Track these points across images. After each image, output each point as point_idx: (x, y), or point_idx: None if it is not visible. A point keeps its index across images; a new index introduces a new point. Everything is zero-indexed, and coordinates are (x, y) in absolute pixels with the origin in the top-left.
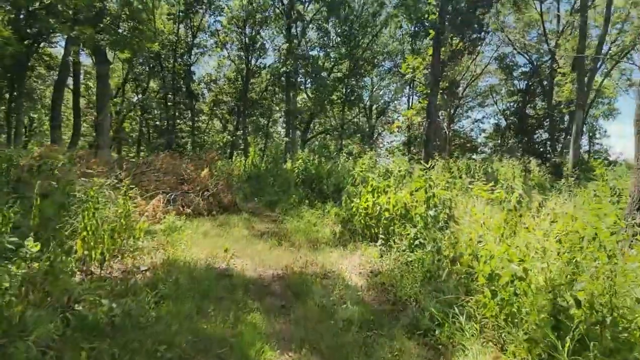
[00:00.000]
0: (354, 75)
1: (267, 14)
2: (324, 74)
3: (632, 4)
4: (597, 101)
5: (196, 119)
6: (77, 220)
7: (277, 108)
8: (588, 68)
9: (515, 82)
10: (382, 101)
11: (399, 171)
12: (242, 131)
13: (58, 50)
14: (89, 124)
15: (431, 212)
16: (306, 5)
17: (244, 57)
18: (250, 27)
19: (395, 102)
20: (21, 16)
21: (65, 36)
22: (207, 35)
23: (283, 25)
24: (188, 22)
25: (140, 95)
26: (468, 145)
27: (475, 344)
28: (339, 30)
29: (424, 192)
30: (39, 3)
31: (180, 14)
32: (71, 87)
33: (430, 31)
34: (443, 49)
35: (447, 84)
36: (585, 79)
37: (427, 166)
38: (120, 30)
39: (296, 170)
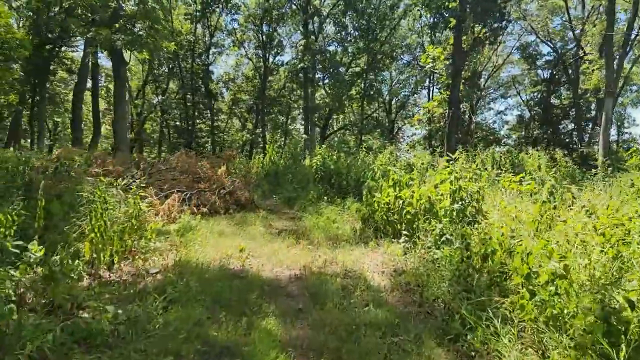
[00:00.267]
0: (372, 69)
1: (283, 11)
2: (342, 69)
3: None
4: (626, 88)
5: (215, 118)
6: (85, 221)
7: (296, 105)
8: (616, 54)
9: (539, 71)
10: (401, 95)
11: (422, 164)
12: (261, 129)
13: (79, 54)
14: (110, 125)
15: (457, 206)
16: (323, 0)
17: (261, 55)
18: (267, 25)
19: (415, 95)
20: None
21: (84, 39)
22: (224, 35)
23: (300, 21)
24: (205, 22)
25: (160, 97)
26: (491, 137)
27: (513, 350)
28: (357, 24)
29: (449, 184)
30: (58, 8)
31: (197, 13)
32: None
33: (451, 19)
34: (464, 37)
35: (469, 74)
36: (615, 65)
37: (452, 157)
38: (135, 30)
39: (315, 166)
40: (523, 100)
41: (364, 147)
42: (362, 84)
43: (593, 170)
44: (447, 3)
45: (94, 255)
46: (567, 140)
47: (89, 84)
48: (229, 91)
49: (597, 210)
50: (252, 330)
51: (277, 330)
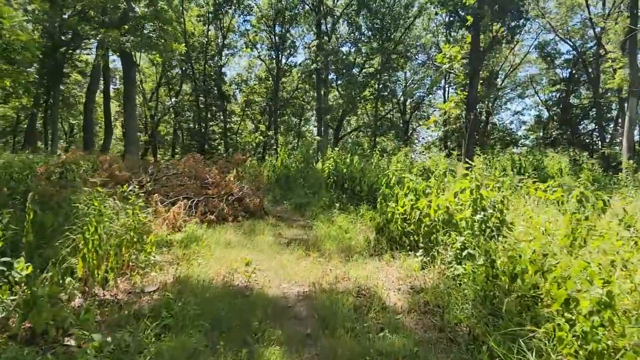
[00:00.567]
0: (386, 69)
1: (296, 11)
2: (355, 70)
3: None
4: None
5: (228, 120)
6: (78, 235)
7: (309, 106)
8: None
9: (558, 70)
10: (416, 96)
11: (439, 170)
12: (273, 131)
13: (93, 57)
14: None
15: (479, 217)
16: (336, 0)
17: (274, 56)
18: (279, 26)
19: (430, 96)
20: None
21: (96, 41)
22: (237, 36)
23: (312, 21)
24: (218, 23)
25: (173, 99)
26: (507, 138)
27: None
28: (370, 24)
29: (470, 193)
30: (71, 10)
31: (210, 15)
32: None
33: (468, 17)
34: (482, 36)
35: (487, 74)
36: (639, 62)
37: (472, 163)
38: (145, 32)
39: (327, 170)
40: (541, 100)
41: (379, 150)
42: (376, 85)
43: (619, 174)
44: (464, 1)
45: (88, 272)
46: (587, 141)
47: (102, 86)
48: (242, 93)
49: (636, 221)
50: None
51: None
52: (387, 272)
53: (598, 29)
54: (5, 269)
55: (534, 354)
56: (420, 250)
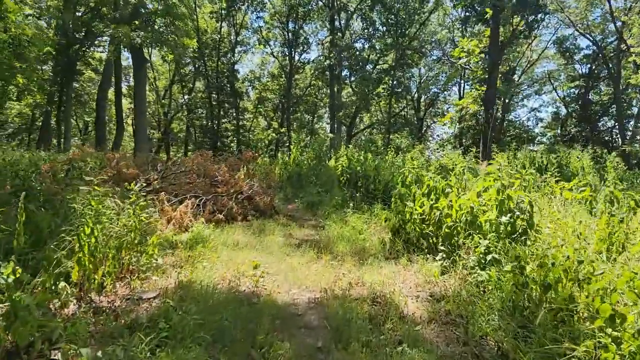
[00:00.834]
0: (400, 66)
1: (310, 7)
2: (369, 66)
3: None
4: None
5: (241, 117)
6: (74, 237)
7: (322, 103)
8: None
9: (577, 66)
10: (431, 92)
11: (459, 167)
12: (286, 128)
13: (105, 55)
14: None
15: (505, 219)
16: None
17: (287, 53)
18: (292, 22)
19: (445, 92)
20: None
21: (108, 38)
22: (250, 33)
23: (326, 17)
24: (231, 20)
25: (186, 96)
26: (524, 135)
27: None
28: (384, 20)
29: (495, 193)
30: (84, 8)
31: (223, 11)
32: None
33: (487, 10)
34: (502, 29)
35: (507, 68)
36: None
37: (497, 161)
38: (156, 27)
39: (340, 168)
40: (559, 97)
41: (393, 147)
42: (390, 81)
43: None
44: None
45: (84, 277)
46: (606, 138)
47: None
48: (255, 90)
49: None
50: None
51: None
52: (404, 277)
53: (619, 23)
54: None
55: None
56: (440, 254)
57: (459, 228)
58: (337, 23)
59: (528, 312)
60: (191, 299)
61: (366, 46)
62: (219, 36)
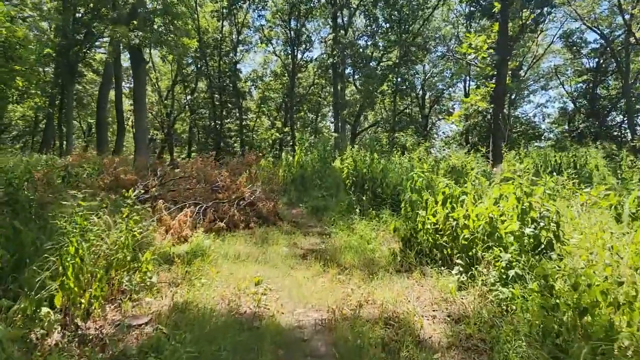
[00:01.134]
0: (404, 63)
1: (312, 5)
2: (373, 63)
3: None
4: None
5: (244, 117)
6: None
7: (325, 102)
8: None
9: (584, 60)
10: (435, 89)
11: (471, 171)
12: (290, 127)
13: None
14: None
15: (529, 230)
16: None
17: (289, 52)
18: (295, 20)
19: (450, 89)
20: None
21: (108, 38)
22: (251, 32)
23: (328, 14)
24: (232, 19)
25: (189, 96)
26: (531, 131)
27: None
28: (387, 16)
29: (517, 201)
30: (84, 9)
31: (224, 10)
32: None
33: (495, 4)
34: (511, 24)
35: (517, 64)
36: None
37: (516, 164)
38: (155, 27)
39: (345, 170)
40: (566, 92)
41: (398, 146)
42: (394, 79)
43: None
44: None
45: (69, 302)
46: (615, 133)
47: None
48: (257, 89)
49: None
50: None
51: None
52: (418, 293)
53: (627, 16)
54: None
55: None
56: (457, 268)
57: (477, 239)
58: (339, 20)
59: (561, 340)
60: (186, 325)
61: (369, 43)
62: (220, 35)
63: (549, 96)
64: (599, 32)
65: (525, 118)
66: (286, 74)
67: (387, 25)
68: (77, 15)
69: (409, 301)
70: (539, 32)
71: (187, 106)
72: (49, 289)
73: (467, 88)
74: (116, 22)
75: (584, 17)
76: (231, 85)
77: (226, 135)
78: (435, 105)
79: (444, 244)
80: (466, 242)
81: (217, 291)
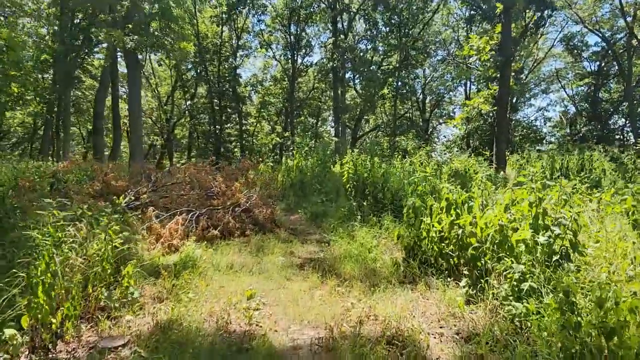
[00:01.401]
0: (405, 67)
1: (312, 9)
2: (373, 67)
3: None
4: None
5: (244, 122)
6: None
7: (325, 107)
8: None
9: (585, 64)
10: (436, 93)
11: (469, 170)
12: (290, 132)
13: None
14: (143, 132)
15: (543, 239)
16: None
17: (289, 56)
18: (295, 25)
19: (451, 93)
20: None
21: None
22: (251, 36)
23: (328, 18)
24: (232, 24)
25: (188, 102)
26: (532, 135)
27: None
28: (387, 20)
29: (529, 207)
30: (82, 15)
31: (224, 15)
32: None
33: (498, 5)
34: (513, 25)
35: (520, 65)
36: None
37: (531, 168)
38: (151, 31)
39: (346, 175)
40: (568, 95)
41: (400, 150)
42: (395, 83)
43: None
44: None
45: (38, 322)
46: (617, 136)
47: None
48: (257, 94)
49: None
50: None
51: None
52: (423, 307)
53: (629, 18)
54: None
55: None
56: (464, 279)
57: (485, 249)
58: (339, 25)
59: None
60: (169, 346)
61: (369, 47)
62: (220, 40)
63: (549, 100)
64: (600, 35)
65: (526, 122)
66: (286, 79)
67: (387, 29)
68: (75, 21)
69: (414, 316)
70: (539, 36)
71: (186, 111)
72: (18, 307)
73: (467, 92)
74: (112, 26)
75: (585, 20)
76: (231, 90)
77: (226, 141)
78: (436, 109)
79: (450, 253)
80: (474, 252)
81: (206, 307)
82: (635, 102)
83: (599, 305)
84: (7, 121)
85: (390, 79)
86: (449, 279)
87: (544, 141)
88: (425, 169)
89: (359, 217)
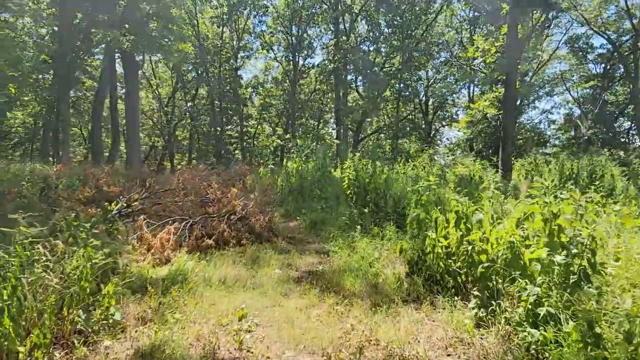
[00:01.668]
0: (407, 69)
1: (313, 10)
2: (376, 69)
3: None
4: None
5: (245, 124)
6: None
7: (327, 109)
8: None
9: (590, 66)
10: (439, 95)
11: (474, 177)
12: (291, 134)
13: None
14: (144, 133)
15: (560, 259)
16: None
17: (291, 58)
18: (296, 26)
19: (454, 95)
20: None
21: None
22: (252, 38)
23: (330, 19)
24: (232, 25)
25: (189, 103)
26: (536, 138)
27: None
28: (389, 21)
29: (543, 222)
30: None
31: (224, 16)
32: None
33: (503, 5)
34: (520, 26)
35: (527, 67)
36: None
37: (544, 179)
38: (148, 32)
39: (346, 180)
40: (573, 98)
41: (402, 153)
42: (397, 85)
43: None
44: None
45: (3, 353)
46: (622, 139)
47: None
48: (258, 96)
49: None
50: None
51: None
52: (429, 331)
53: (636, 20)
54: None
55: None
56: (474, 300)
57: (497, 268)
58: (341, 26)
59: None
60: None
61: (371, 49)
62: (220, 42)
63: (554, 102)
64: (606, 37)
65: (530, 124)
66: (287, 80)
67: (390, 30)
68: (74, 21)
69: (419, 342)
70: (544, 37)
71: (187, 113)
72: None
73: (471, 94)
74: (109, 26)
75: (590, 21)
76: (232, 91)
77: (227, 142)
78: (439, 112)
79: (458, 270)
80: (484, 270)
81: (193, 329)
82: None
83: (627, 341)
84: (7, 122)
85: (393, 81)
86: (456, 298)
87: (548, 144)
88: (428, 174)
89: (360, 224)
